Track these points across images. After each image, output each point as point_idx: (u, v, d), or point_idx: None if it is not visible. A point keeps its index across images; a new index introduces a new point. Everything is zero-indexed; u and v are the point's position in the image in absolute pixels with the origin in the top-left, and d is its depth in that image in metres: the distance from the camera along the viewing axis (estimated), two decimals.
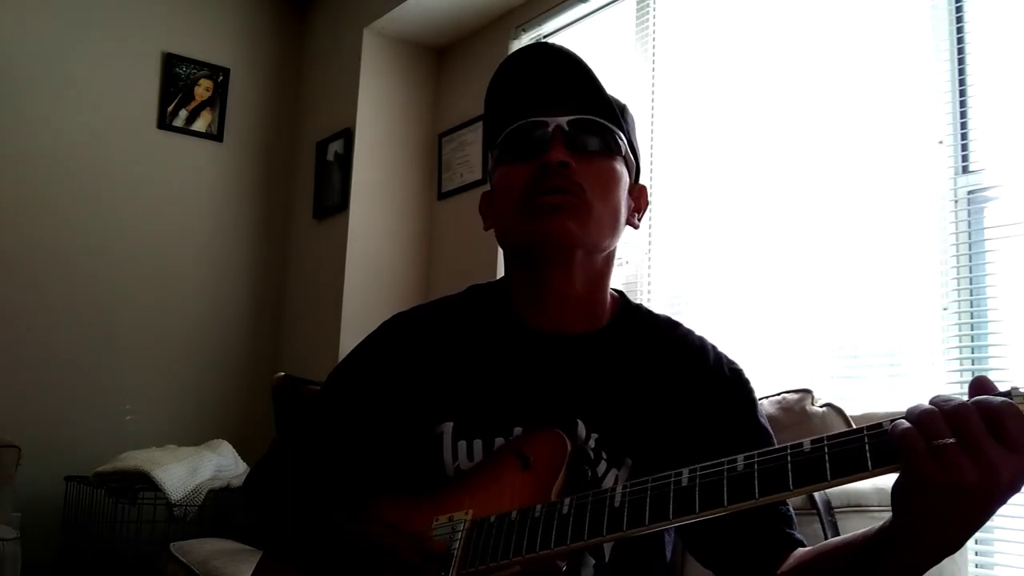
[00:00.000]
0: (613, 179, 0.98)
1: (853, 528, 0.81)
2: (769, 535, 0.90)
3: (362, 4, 3.68)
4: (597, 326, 1.01)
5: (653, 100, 2.76)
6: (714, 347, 1.03)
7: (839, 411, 1.76)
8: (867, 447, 0.64)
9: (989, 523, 1.82)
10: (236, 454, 3.24)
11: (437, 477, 0.94)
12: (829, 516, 1.36)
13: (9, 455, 2.77)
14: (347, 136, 3.62)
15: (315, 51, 4.04)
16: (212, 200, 3.82)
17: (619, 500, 0.74)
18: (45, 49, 3.46)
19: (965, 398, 0.64)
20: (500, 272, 1.11)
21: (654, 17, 2.79)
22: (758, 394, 1.03)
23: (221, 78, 3.85)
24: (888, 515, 0.70)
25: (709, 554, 0.95)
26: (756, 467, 0.68)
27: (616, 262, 1.06)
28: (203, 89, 3.80)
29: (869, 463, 0.64)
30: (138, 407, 3.55)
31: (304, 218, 3.89)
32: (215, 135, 3.83)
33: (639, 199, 1.06)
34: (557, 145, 0.95)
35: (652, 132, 2.73)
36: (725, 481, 0.69)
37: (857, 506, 1.41)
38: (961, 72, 1.95)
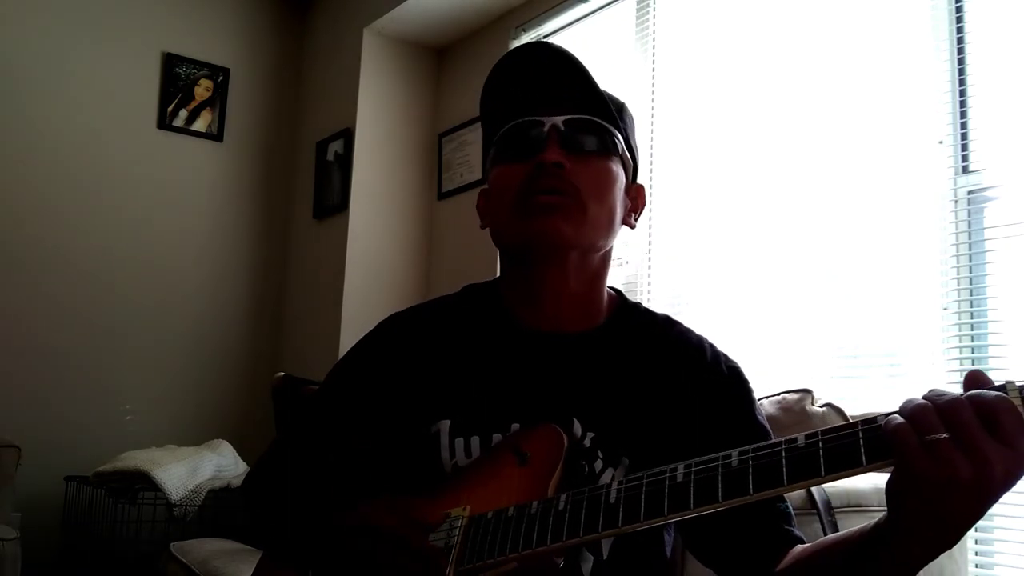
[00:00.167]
0: (608, 179, 0.98)
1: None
2: (767, 532, 0.90)
3: (362, 4, 3.68)
4: (594, 325, 1.01)
5: (653, 100, 2.75)
6: (712, 345, 1.03)
7: (839, 411, 1.77)
8: (861, 442, 0.64)
9: (989, 523, 1.82)
10: (236, 454, 3.24)
11: (435, 475, 0.95)
12: (829, 516, 1.36)
13: (9, 455, 2.77)
14: (347, 136, 3.62)
15: (315, 51, 4.04)
16: (212, 200, 3.82)
17: (615, 496, 0.74)
18: (45, 49, 3.46)
19: (960, 392, 0.63)
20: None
21: (654, 17, 2.79)
22: (758, 394, 1.02)
23: (221, 78, 3.85)
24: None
25: (708, 551, 0.95)
26: (750, 462, 0.68)
27: (616, 262, 1.06)
28: (203, 89, 3.80)
29: (863, 458, 0.64)
30: (138, 407, 3.55)
31: (304, 218, 3.89)
32: (215, 135, 3.83)
33: (636, 198, 1.06)
34: (552, 145, 0.95)
35: (652, 132, 2.73)
36: (719, 476, 0.69)
37: (857, 506, 1.41)
38: (961, 72, 1.95)
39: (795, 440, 0.67)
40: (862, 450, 0.64)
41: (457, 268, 3.48)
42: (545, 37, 3.24)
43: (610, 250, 1.03)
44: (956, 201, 1.91)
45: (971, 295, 1.87)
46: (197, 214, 3.78)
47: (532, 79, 0.97)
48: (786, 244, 2.29)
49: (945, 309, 1.91)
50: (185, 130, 3.76)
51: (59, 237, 3.44)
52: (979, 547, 1.80)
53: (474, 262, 3.22)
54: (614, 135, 0.99)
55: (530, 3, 3.27)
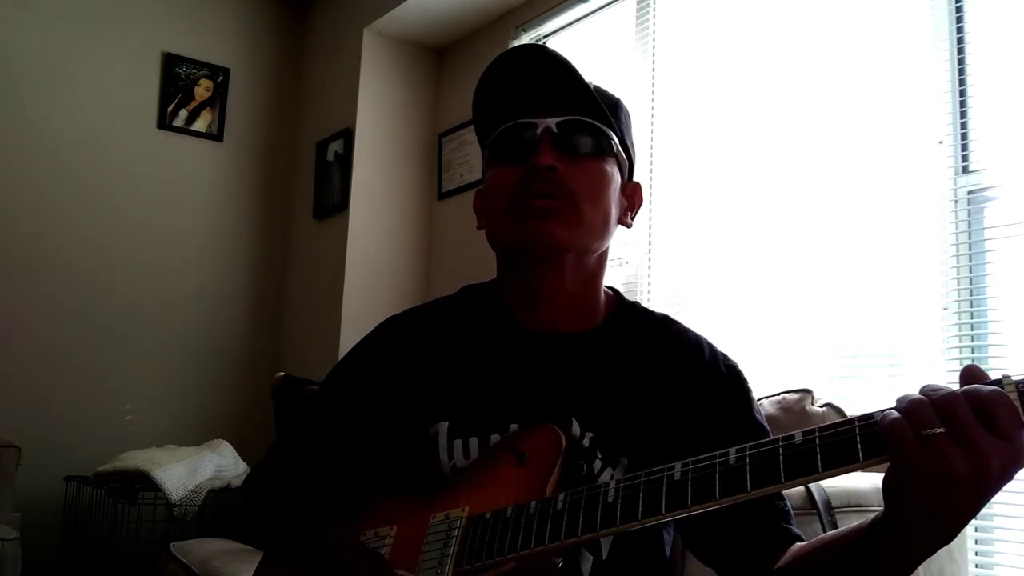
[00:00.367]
0: (603, 181, 0.97)
1: None
2: (766, 530, 0.90)
3: (362, 4, 3.68)
4: (591, 325, 1.01)
5: (653, 100, 2.75)
6: (710, 344, 1.03)
7: (839, 411, 1.77)
8: (858, 438, 0.64)
9: (989, 523, 1.82)
10: (236, 454, 3.24)
11: (434, 476, 0.95)
12: (829, 516, 1.36)
13: (9, 455, 2.77)
14: (347, 136, 3.62)
15: (315, 51, 4.04)
16: (212, 200, 3.82)
17: (613, 495, 0.74)
18: (45, 49, 3.46)
19: (957, 387, 0.63)
20: None
21: (654, 17, 2.79)
22: (758, 394, 1.02)
23: (221, 78, 3.85)
24: None
25: (707, 550, 0.95)
26: (748, 460, 0.68)
27: (616, 262, 1.06)
28: (203, 89, 3.80)
29: (860, 454, 0.63)
30: (138, 407, 3.55)
31: (304, 218, 3.89)
32: (215, 135, 3.83)
33: (632, 197, 1.06)
34: (546, 148, 0.94)
35: (652, 132, 2.73)
36: (717, 475, 0.69)
37: (857, 505, 1.41)
38: (961, 72, 1.95)
39: (792, 437, 0.67)
40: (859, 446, 0.64)
41: (457, 268, 3.48)
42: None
43: (606, 250, 1.03)
44: (956, 201, 1.91)
45: (971, 295, 1.87)
46: (197, 214, 3.78)
47: (524, 81, 0.97)
48: (786, 244, 2.29)
49: (945, 309, 1.91)
50: (185, 130, 3.76)
51: (59, 237, 3.44)
52: (979, 547, 1.80)
53: (474, 262, 3.22)
54: (608, 135, 0.98)
55: (530, 3, 3.27)
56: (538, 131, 0.95)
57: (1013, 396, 0.61)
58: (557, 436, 0.88)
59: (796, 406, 1.85)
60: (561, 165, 0.94)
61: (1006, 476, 0.61)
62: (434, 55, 3.82)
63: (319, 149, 3.80)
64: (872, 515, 0.72)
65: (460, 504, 0.86)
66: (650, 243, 2.67)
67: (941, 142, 1.95)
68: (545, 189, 0.93)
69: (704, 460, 0.70)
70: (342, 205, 3.60)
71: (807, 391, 1.88)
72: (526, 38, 3.28)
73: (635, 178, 1.08)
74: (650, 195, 2.69)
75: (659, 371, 0.99)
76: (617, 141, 1.00)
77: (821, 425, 0.67)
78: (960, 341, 1.88)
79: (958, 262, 1.89)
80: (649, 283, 2.67)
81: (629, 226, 1.05)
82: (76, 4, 3.54)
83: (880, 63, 2.14)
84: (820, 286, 2.20)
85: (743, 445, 0.69)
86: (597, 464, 0.93)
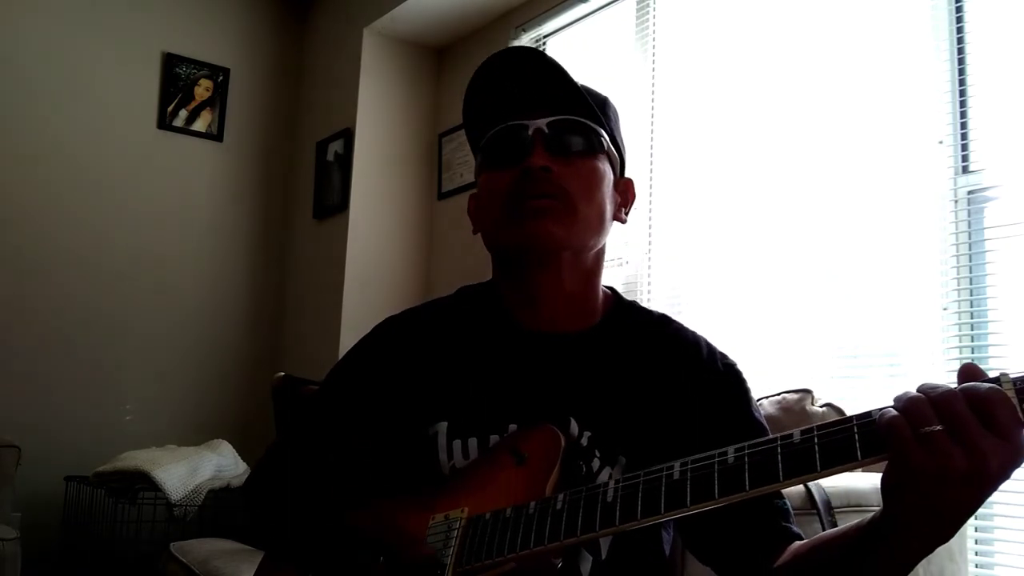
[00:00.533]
0: (596, 179, 0.98)
1: None
2: (765, 529, 0.90)
3: (362, 4, 3.68)
4: (590, 324, 1.02)
5: (653, 100, 2.75)
6: (708, 342, 1.03)
7: (839, 411, 1.77)
8: (856, 436, 0.64)
9: (989, 523, 1.82)
10: (236, 454, 3.24)
11: (433, 477, 0.95)
12: (829, 516, 1.36)
13: (9, 455, 2.77)
14: (347, 136, 3.62)
15: (315, 51, 4.04)
16: (212, 200, 3.82)
17: (612, 495, 0.74)
18: (45, 49, 3.46)
19: (955, 385, 0.63)
20: None
21: (654, 17, 2.79)
22: (758, 393, 1.02)
23: (221, 78, 3.85)
24: None
25: (706, 549, 0.95)
26: (746, 459, 0.68)
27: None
28: (203, 89, 3.80)
29: (859, 453, 0.63)
30: (138, 407, 3.55)
31: (304, 218, 3.89)
32: (215, 135, 3.83)
33: (625, 193, 1.06)
34: (538, 149, 0.95)
35: (652, 132, 2.73)
36: (716, 473, 0.69)
37: (857, 505, 1.41)
38: (961, 72, 1.95)
39: (790, 436, 0.67)
40: (857, 445, 0.64)
41: (457, 268, 3.48)
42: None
43: (603, 248, 1.03)
44: (956, 201, 1.91)
45: (971, 295, 1.87)
46: (197, 214, 3.78)
47: (513, 84, 0.97)
48: (786, 244, 2.29)
49: (945, 309, 1.91)
50: (185, 130, 3.76)
51: (59, 237, 3.44)
52: (979, 547, 1.80)
53: (474, 262, 3.22)
54: (599, 133, 0.99)
55: (530, 3, 3.27)
56: (530, 132, 0.96)
57: (1011, 393, 0.61)
58: (556, 436, 0.88)
59: (796, 406, 1.85)
60: (555, 165, 0.94)
61: (1004, 473, 0.61)
62: (434, 55, 3.82)
63: (319, 149, 3.80)
64: (871, 513, 0.72)
65: (460, 505, 0.86)
66: (650, 243, 2.67)
67: (941, 142, 1.95)
68: (541, 190, 0.93)
69: (703, 459, 0.70)
70: (342, 205, 3.60)
71: (807, 391, 1.88)
72: (526, 38, 3.28)
73: (627, 174, 1.08)
74: (650, 195, 2.69)
75: (657, 370, 0.99)
76: (607, 138, 1.00)
77: (819, 424, 0.67)
78: (960, 341, 1.88)
79: (958, 262, 1.89)
80: (649, 283, 2.66)
81: (624, 222, 1.06)
82: (76, 4, 3.54)
83: (880, 63, 2.14)
84: (820, 286, 2.20)
85: (742, 444, 0.69)
86: (596, 463, 0.93)
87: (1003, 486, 0.63)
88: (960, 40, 1.95)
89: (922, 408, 0.62)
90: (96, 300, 3.49)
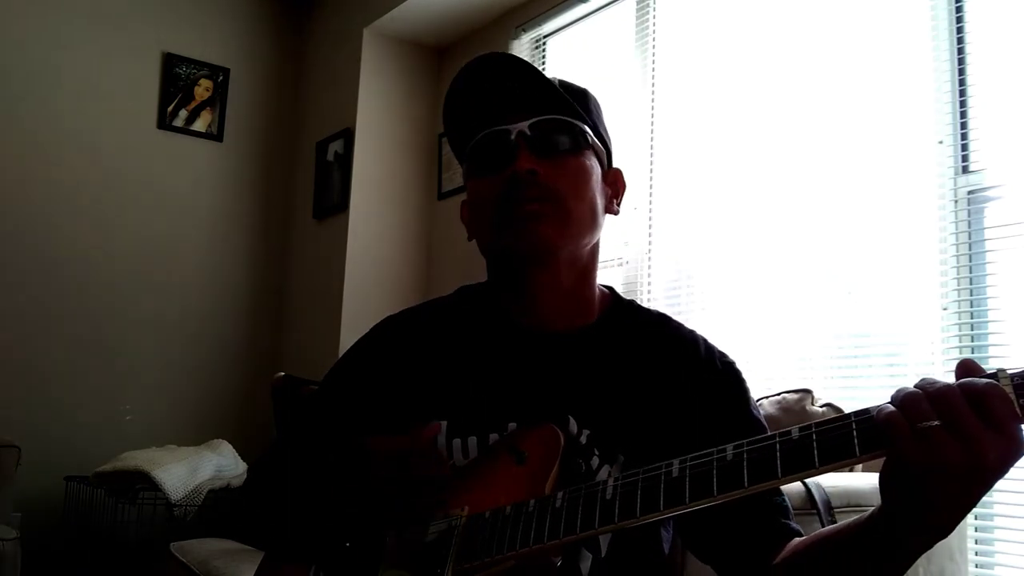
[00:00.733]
0: (584, 175, 0.98)
1: None
2: (764, 526, 0.90)
3: (362, 4, 3.68)
4: (588, 321, 1.02)
5: (653, 100, 2.76)
6: (705, 340, 1.03)
7: (839, 411, 1.77)
8: (855, 432, 0.64)
9: (989, 523, 1.82)
10: (236, 454, 3.24)
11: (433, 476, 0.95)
12: (829, 515, 1.36)
13: (9, 455, 2.77)
14: (347, 136, 3.62)
15: (315, 51, 4.04)
16: (212, 200, 3.83)
17: (611, 493, 0.74)
18: (45, 49, 3.46)
19: (952, 380, 0.63)
20: None
21: (654, 17, 2.79)
22: (758, 394, 1.02)
23: (221, 78, 3.85)
24: None
25: (705, 547, 0.95)
26: (745, 456, 0.68)
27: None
28: (203, 89, 3.80)
29: (857, 448, 0.63)
30: (138, 407, 3.55)
31: (304, 218, 3.89)
32: (215, 135, 3.84)
33: (615, 184, 1.06)
34: (523, 153, 0.95)
35: (652, 132, 2.73)
36: (714, 471, 0.69)
37: (857, 505, 1.41)
38: (961, 72, 1.95)
39: (789, 433, 0.67)
40: (855, 440, 0.64)
41: (457, 268, 3.48)
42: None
43: (598, 243, 1.03)
44: (956, 201, 1.91)
45: (971, 295, 1.87)
46: (197, 214, 3.78)
47: (490, 90, 0.97)
48: (786, 244, 2.29)
49: (945, 309, 1.91)
50: (185, 130, 3.76)
51: (59, 237, 3.44)
52: (979, 547, 1.80)
53: (474, 262, 3.19)
54: (582, 129, 0.99)
55: (530, 3, 3.27)
56: (513, 136, 0.95)
57: (1008, 388, 0.61)
58: (555, 435, 0.88)
59: (796, 406, 1.86)
60: (541, 167, 0.94)
61: (1002, 468, 0.61)
62: (434, 55, 3.82)
63: (319, 149, 3.80)
64: (870, 510, 0.72)
65: (459, 504, 0.86)
66: (650, 243, 2.67)
67: (941, 142, 1.95)
68: (530, 194, 0.93)
69: (701, 457, 0.70)
70: (342, 205, 3.60)
71: (807, 391, 1.88)
72: (526, 38, 3.28)
73: (615, 164, 1.07)
74: (650, 195, 2.69)
75: (656, 368, 0.99)
76: (591, 132, 1.00)
77: (818, 421, 0.67)
78: (960, 341, 1.88)
79: (958, 262, 1.89)
80: (649, 283, 2.67)
81: (616, 213, 1.06)
82: (76, 4, 3.54)
83: (880, 63, 2.14)
84: (820, 286, 2.20)
85: (740, 441, 0.69)
86: (595, 462, 0.93)
87: (1003, 485, 0.64)
88: (960, 40, 1.96)
89: (919, 403, 0.62)
90: (96, 300, 3.49)
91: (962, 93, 1.94)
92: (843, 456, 0.64)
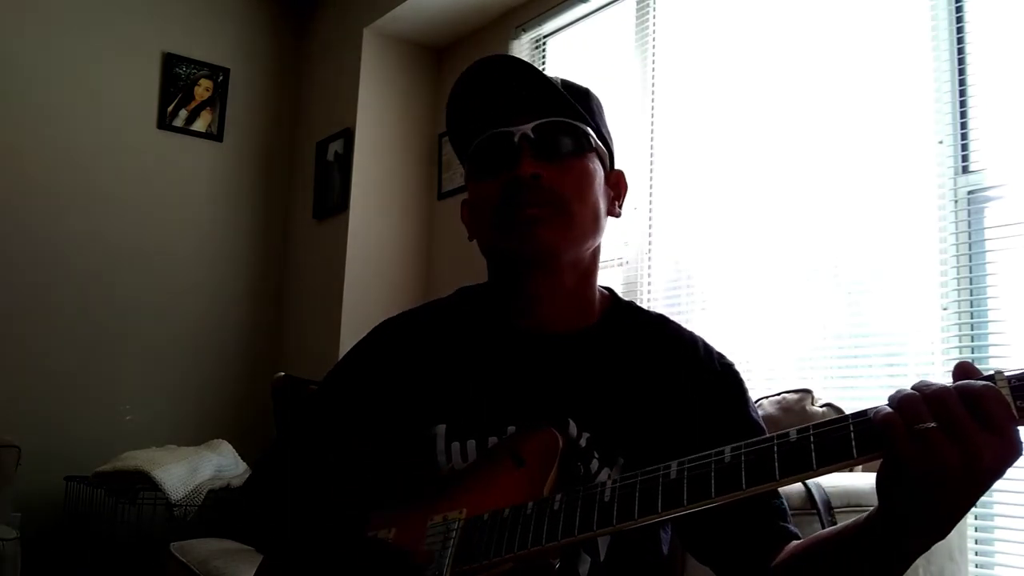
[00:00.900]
0: (587, 178, 0.97)
1: None
2: (763, 528, 0.90)
3: (362, 4, 3.68)
4: (588, 323, 1.01)
5: (653, 100, 2.75)
6: (704, 342, 1.03)
7: (839, 411, 1.76)
8: (852, 434, 0.64)
9: (989, 523, 1.82)
10: (236, 454, 3.24)
11: (432, 478, 0.94)
12: (829, 516, 1.36)
13: (9, 455, 2.77)
14: (347, 136, 3.62)
15: (315, 51, 4.04)
16: (212, 200, 3.83)
17: (609, 495, 0.74)
18: (45, 49, 3.46)
19: (950, 382, 0.64)
20: None
21: (654, 17, 2.79)
22: (757, 394, 1.02)
23: (221, 78, 3.85)
24: None
25: (704, 549, 0.95)
26: (743, 458, 0.68)
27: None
28: (203, 89, 3.80)
29: (854, 450, 0.63)
30: (138, 407, 3.55)
31: (304, 218, 3.89)
32: (215, 135, 3.84)
33: (617, 186, 1.05)
34: (526, 156, 0.94)
35: (652, 132, 2.73)
36: (713, 473, 0.69)
37: (857, 505, 1.41)
38: (961, 72, 1.95)
39: (787, 435, 0.67)
40: (853, 442, 0.64)
41: (457, 268, 3.48)
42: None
43: (599, 246, 1.03)
44: (956, 201, 1.91)
45: (971, 295, 1.87)
46: (197, 214, 3.78)
47: (493, 92, 0.97)
48: (786, 244, 2.29)
49: (945, 309, 1.91)
50: (185, 130, 3.76)
51: (59, 236, 3.44)
52: (979, 547, 1.80)
53: (474, 262, 3.19)
54: (585, 131, 0.98)
55: (530, 3, 3.27)
56: (516, 139, 0.95)
57: (1005, 390, 0.61)
58: (554, 438, 0.88)
59: (796, 406, 1.85)
60: (544, 171, 0.93)
61: (999, 470, 0.61)
62: (434, 55, 3.82)
63: (319, 149, 3.80)
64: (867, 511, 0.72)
65: (458, 507, 0.86)
66: (650, 243, 2.67)
67: (941, 142, 1.95)
68: (532, 198, 0.93)
69: (700, 459, 0.70)
70: (342, 205, 3.60)
71: (807, 391, 1.88)
72: (526, 38, 3.28)
73: (617, 165, 1.07)
74: (650, 195, 2.69)
75: (655, 370, 0.99)
76: (594, 134, 1.00)
77: (815, 423, 0.67)
78: (960, 341, 1.88)
79: (958, 262, 1.89)
80: (649, 283, 2.66)
81: (618, 215, 1.05)
82: (76, 4, 3.54)
83: (880, 63, 2.14)
84: (820, 286, 2.20)
85: (738, 443, 0.69)
86: (594, 464, 0.92)
87: (1002, 485, 0.64)
88: (960, 40, 1.95)
89: (916, 405, 0.62)
90: (96, 300, 3.49)
91: (962, 93, 1.93)
92: (841, 458, 0.64)
